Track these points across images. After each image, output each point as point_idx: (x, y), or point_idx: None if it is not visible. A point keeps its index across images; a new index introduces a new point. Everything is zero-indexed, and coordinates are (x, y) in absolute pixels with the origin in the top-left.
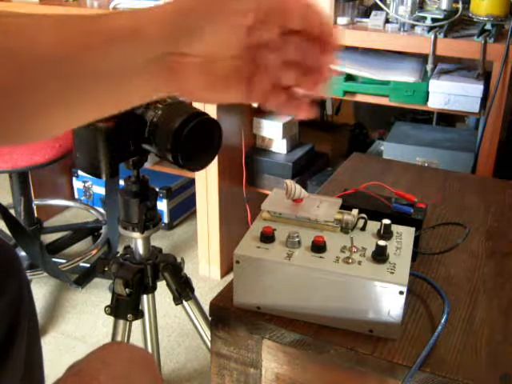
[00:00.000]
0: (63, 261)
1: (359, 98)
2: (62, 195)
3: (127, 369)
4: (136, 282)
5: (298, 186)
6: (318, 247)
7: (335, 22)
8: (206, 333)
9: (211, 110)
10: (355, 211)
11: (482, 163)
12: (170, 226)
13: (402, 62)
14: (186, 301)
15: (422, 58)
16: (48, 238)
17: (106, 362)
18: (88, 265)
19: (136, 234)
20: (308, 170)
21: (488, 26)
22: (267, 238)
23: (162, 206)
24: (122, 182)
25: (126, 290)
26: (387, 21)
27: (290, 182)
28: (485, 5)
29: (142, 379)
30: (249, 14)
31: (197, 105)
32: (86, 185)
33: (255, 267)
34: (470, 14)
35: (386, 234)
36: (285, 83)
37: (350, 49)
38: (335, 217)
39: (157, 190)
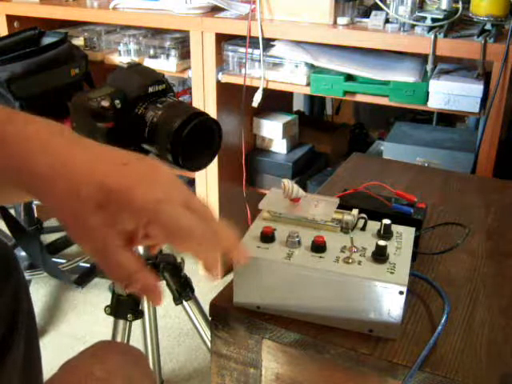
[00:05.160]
0: (63, 261)
1: (359, 98)
2: None
3: (120, 363)
4: None
5: (296, 186)
6: (318, 247)
7: (335, 22)
8: (206, 333)
9: (211, 110)
10: (355, 211)
11: (482, 163)
12: None
13: (402, 62)
14: (186, 301)
15: (422, 58)
16: (48, 238)
17: (99, 357)
18: (88, 265)
19: None
20: (308, 169)
21: (488, 26)
22: (267, 237)
23: None
24: None
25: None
26: (387, 21)
27: (287, 182)
28: (485, 5)
29: (135, 373)
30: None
31: (197, 105)
32: None
33: (255, 267)
34: (470, 14)
35: (386, 233)
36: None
37: (349, 49)
38: (335, 217)
39: None
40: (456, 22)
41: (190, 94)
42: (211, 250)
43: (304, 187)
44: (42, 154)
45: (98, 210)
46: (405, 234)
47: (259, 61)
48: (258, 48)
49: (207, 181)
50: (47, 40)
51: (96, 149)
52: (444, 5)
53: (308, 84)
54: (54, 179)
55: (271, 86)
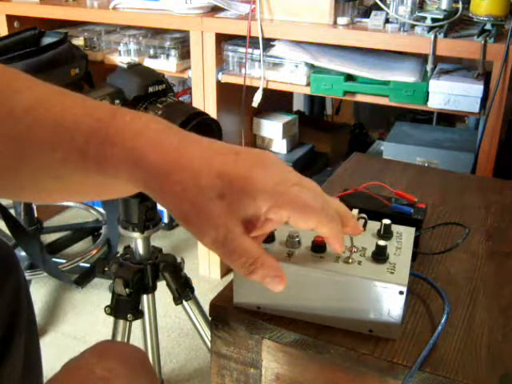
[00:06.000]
0: (63, 261)
1: (359, 98)
2: None
3: (122, 362)
4: (136, 282)
5: None
6: (318, 247)
7: (335, 22)
8: (206, 333)
9: (211, 110)
10: (355, 211)
11: (482, 163)
12: (170, 226)
13: (402, 62)
14: (186, 301)
15: (422, 58)
16: (48, 238)
17: (101, 356)
18: (88, 265)
19: (136, 234)
20: (308, 170)
21: (488, 26)
22: (267, 237)
23: None
24: None
25: (126, 289)
26: (387, 21)
27: None
28: (485, 5)
29: (137, 371)
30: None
31: (197, 105)
32: None
33: None
34: (470, 14)
35: (386, 233)
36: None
37: (349, 49)
38: None
39: None
40: (456, 22)
41: (190, 94)
42: (334, 223)
43: None
44: (155, 149)
45: (219, 198)
46: (405, 234)
47: (259, 61)
48: (258, 48)
49: None
50: (47, 40)
51: (206, 142)
52: (444, 5)
53: (308, 84)
54: (170, 173)
55: (271, 85)
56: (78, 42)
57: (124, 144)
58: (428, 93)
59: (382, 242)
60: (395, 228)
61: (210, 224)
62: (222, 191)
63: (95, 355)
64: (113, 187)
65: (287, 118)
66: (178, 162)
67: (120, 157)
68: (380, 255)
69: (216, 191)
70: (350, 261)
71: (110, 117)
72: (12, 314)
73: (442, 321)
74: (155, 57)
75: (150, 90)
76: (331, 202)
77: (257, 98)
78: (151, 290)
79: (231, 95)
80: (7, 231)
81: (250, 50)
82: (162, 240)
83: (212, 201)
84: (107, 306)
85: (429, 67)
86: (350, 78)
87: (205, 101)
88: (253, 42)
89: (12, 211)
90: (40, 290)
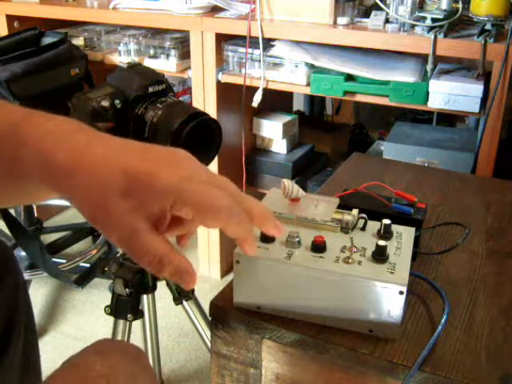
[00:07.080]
0: (63, 261)
1: (359, 98)
2: None
3: (121, 359)
4: (136, 282)
5: (296, 186)
6: (318, 247)
7: (335, 22)
8: (206, 333)
9: (211, 110)
10: (355, 211)
11: (482, 163)
12: None
13: (402, 62)
14: (186, 301)
15: (422, 58)
16: (48, 238)
17: (101, 354)
18: (88, 265)
19: None
20: (308, 169)
21: (488, 26)
22: (267, 237)
23: None
24: None
25: (126, 289)
26: (387, 21)
27: (287, 182)
28: (485, 5)
29: (136, 369)
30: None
31: (197, 105)
32: None
33: (255, 267)
34: (470, 14)
35: (386, 234)
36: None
37: (349, 49)
38: (335, 217)
39: None
40: (456, 22)
41: (190, 94)
42: (243, 224)
43: (304, 187)
44: (61, 149)
45: (122, 197)
46: (405, 234)
47: (259, 61)
48: (258, 48)
49: None
50: (47, 40)
51: (114, 141)
52: (444, 5)
53: (308, 84)
54: (75, 173)
55: (271, 86)
56: (78, 42)
57: (34, 145)
58: (428, 93)
59: (381, 242)
60: (395, 228)
61: (115, 223)
62: (125, 189)
63: (94, 352)
64: (33, 191)
65: (287, 118)
66: (82, 161)
67: (30, 158)
68: (380, 255)
69: (119, 189)
70: (350, 261)
71: (22, 119)
72: (10, 313)
73: (442, 321)
74: (155, 57)
75: (150, 90)
76: (246, 202)
77: (257, 98)
78: (151, 289)
79: (231, 95)
80: (7, 231)
81: (249, 50)
82: None
83: (115, 199)
84: (107, 306)
85: (429, 67)
86: (350, 77)
87: (205, 101)
88: (253, 42)
89: (12, 211)
90: (40, 290)
